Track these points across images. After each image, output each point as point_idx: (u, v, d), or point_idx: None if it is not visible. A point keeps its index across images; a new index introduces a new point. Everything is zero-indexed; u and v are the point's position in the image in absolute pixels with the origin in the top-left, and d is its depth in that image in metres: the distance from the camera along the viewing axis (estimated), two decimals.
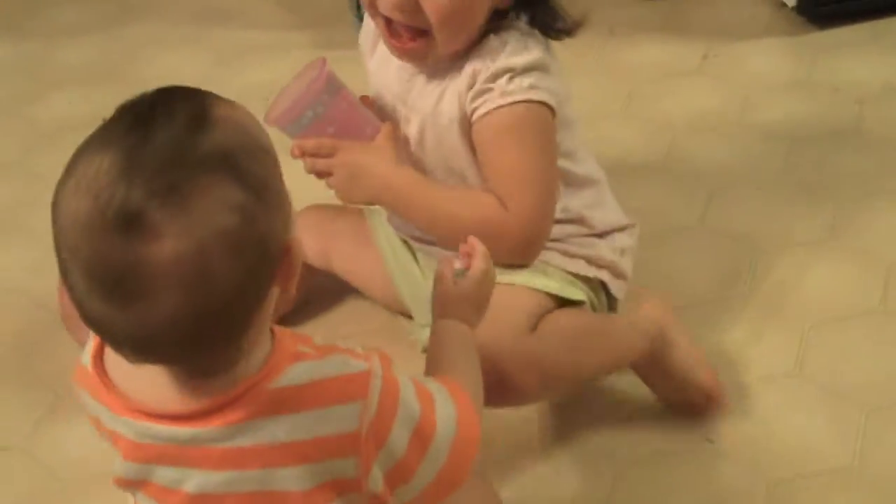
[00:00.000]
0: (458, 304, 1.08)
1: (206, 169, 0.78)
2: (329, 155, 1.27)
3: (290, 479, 0.86)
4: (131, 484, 0.89)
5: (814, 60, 2.06)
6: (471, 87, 1.25)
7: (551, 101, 1.25)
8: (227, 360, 0.84)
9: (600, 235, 1.37)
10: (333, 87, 1.27)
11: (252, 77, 2.12)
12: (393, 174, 1.27)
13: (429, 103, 1.29)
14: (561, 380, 1.27)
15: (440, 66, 1.28)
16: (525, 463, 1.33)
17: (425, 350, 1.07)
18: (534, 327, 1.25)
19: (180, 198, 0.76)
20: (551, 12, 1.28)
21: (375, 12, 1.26)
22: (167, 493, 0.88)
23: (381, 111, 1.35)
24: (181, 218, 0.76)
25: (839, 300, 1.53)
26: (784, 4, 2.18)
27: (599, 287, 1.35)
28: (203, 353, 0.82)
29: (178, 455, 0.86)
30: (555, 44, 1.30)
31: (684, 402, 1.35)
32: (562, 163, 1.31)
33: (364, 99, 1.33)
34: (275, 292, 0.85)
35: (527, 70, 1.24)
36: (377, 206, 1.40)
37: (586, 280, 1.33)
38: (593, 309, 1.34)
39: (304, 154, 1.27)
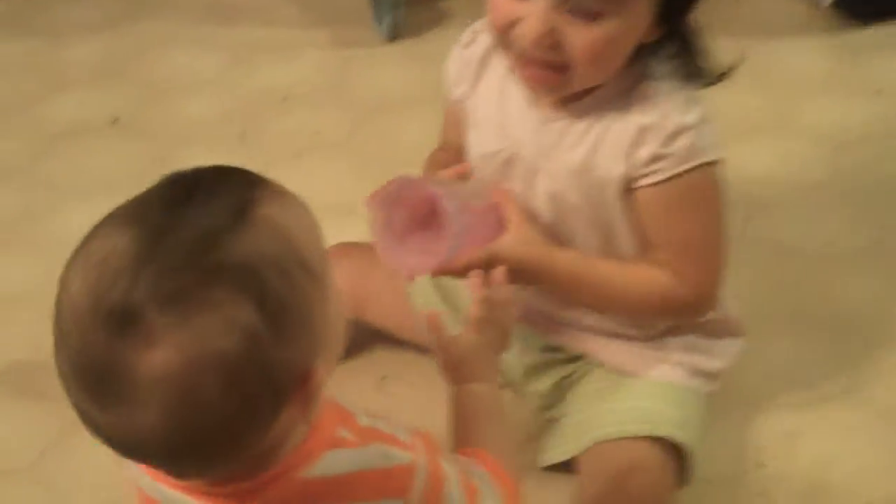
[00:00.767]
0: (465, 365, 1.00)
1: (224, 279, 0.69)
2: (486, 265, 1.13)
3: None
4: None
5: (854, 61, 1.98)
6: (637, 144, 1.12)
7: (721, 155, 1.14)
8: (240, 466, 0.75)
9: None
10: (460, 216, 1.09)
11: (266, 77, 2.04)
12: (549, 259, 1.16)
13: (578, 154, 1.15)
14: None
15: (588, 110, 1.15)
16: None
17: None
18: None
19: (184, 307, 0.68)
20: (699, 51, 1.14)
21: (508, 46, 1.12)
22: None
23: (486, 160, 1.21)
24: (178, 330, 0.68)
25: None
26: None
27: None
28: (203, 463, 0.74)
29: None
30: None
31: None
32: None
33: (459, 170, 1.20)
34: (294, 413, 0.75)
35: (698, 126, 1.12)
36: None
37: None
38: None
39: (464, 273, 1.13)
